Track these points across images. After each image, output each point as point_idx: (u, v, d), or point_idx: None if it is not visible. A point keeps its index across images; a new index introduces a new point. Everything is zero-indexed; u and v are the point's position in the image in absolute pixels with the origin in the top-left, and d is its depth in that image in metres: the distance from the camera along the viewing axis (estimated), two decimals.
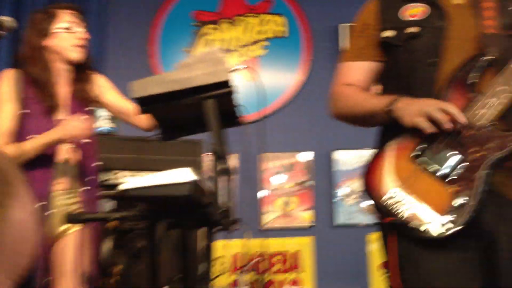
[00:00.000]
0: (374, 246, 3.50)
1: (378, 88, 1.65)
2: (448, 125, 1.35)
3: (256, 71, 3.59)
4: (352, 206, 3.65)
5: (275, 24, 4.01)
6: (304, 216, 3.72)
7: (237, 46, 3.98)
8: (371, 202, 1.45)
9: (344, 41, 3.78)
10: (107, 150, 2.76)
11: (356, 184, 3.57)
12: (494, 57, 1.41)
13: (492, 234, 1.38)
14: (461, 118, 1.36)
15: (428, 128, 1.36)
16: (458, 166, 1.36)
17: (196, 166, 2.84)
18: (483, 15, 1.47)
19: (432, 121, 1.35)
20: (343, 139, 3.65)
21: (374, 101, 1.51)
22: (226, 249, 3.48)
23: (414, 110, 1.39)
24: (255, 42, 4.00)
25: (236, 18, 4.02)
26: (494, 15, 1.47)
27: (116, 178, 2.77)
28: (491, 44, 1.42)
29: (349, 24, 3.79)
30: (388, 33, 1.54)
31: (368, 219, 3.57)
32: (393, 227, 1.41)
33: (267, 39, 3.99)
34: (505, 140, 1.35)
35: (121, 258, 2.42)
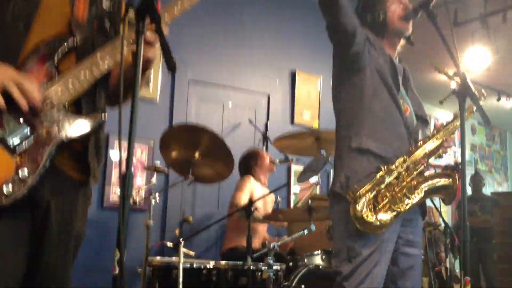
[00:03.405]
0: None
1: None
2: (22, 103, 1.37)
3: None
4: None
5: None
6: None
7: None
8: None
9: None
10: None
11: None
12: (77, 44, 1.51)
13: (46, 207, 1.47)
14: (36, 99, 1.39)
15: (1, 103, 1.35)
16: (27, 139, 1.40)
17: None
18: (76, 1, 1.56)
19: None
20: None
21: None
22: None
23: None
24: None
25: None
26: (85, 5, 1.57)
27: None
28: (77, 31, 1.52)
29: None
30: None
31: None
32: None
33: None
34: (74, 124, 1.46)
35: None
